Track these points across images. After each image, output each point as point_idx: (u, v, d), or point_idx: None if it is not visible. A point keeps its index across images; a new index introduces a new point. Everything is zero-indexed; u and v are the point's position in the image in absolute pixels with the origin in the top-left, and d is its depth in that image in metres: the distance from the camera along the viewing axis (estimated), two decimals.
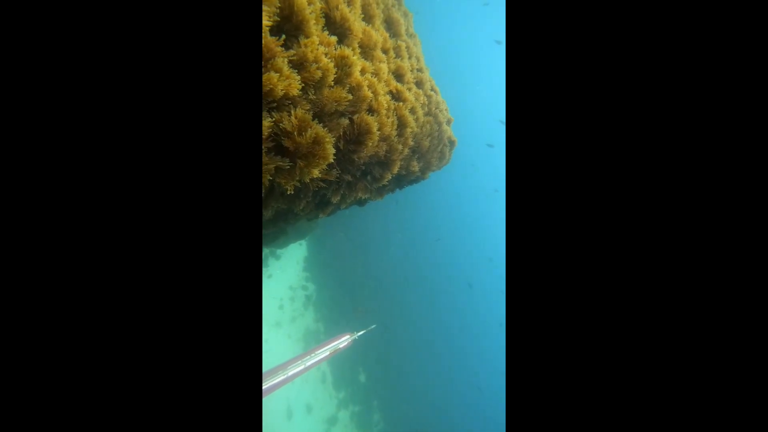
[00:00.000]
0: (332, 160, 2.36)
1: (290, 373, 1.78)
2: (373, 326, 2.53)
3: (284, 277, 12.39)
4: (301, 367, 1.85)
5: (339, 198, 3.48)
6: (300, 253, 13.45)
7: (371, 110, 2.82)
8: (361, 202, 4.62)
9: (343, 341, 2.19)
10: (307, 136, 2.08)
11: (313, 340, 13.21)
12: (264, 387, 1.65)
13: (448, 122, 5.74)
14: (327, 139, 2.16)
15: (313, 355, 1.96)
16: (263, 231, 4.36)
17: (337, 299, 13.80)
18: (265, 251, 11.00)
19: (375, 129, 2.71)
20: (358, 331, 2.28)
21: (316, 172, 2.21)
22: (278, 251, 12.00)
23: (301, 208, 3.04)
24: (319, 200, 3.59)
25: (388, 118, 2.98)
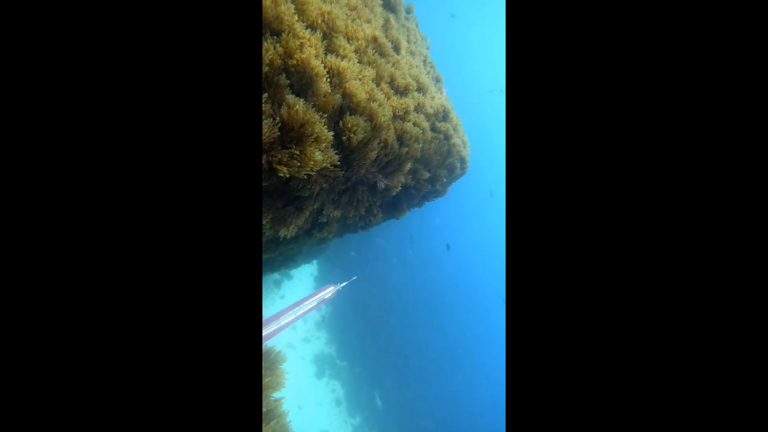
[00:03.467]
0: (330, 150, 2.22)
1: (283, 323, 2.06)
2: (354, 277, 2.87)
3: (296, 297, 12.25)
4: (293, 317, 2.13)
5: (340, 213, 3.35)
6: (311, 272, 13.34)
7: (354, 111, 2.69)
8: (367, 223, 4.49)
9: (328, 292, 2.42)
10: (296, 110, 2.01)
11: (326, 363, 12.90)
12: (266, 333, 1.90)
13: (460, 137, 5.64)
14: (315, 119, 2.07)
15: (303, 305, 2.24)
16: (273, 255, 4.28)
17: (349, 318, 13.52)
18: (277, 274, 10.94)
19: (359, 124, 2.57)
20: (342, 283, 2.57)
21: (317, 156, 2.08)
22: (291, 272, 11.93)
23: (304, 219, 2.91)
24: (314, 221, 3.49)
25: (382, 124, 2.86)
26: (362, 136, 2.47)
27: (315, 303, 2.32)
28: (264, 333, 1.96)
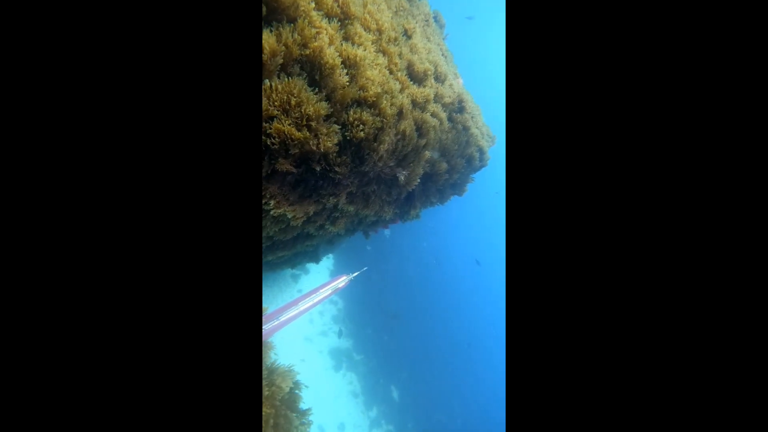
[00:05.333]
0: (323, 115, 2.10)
1: (301, 309, 2.11)
2: (365, 268, 3.03)
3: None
4: (309, 304, 2.21)
5: (354, 209, 3.27)
6: (326, 266, 13.43)
7: (365, 102, 2.55)
8: (378, 221, 4.40)
9: (341, 281, 2.50)
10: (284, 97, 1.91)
11: (344, 356, 13.03)
12: (275, 324, 1.92)
13: (479, 127, 5.45)
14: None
15: (318, 293, 2.31)
16: (289, 253, 4.27)
17: (365, 312, 13.59)
18: (294, 270, 11.04)
19: (364, 118, 2.44)
20: (353, 273, 2.68)
21: (296, 133, 1.97)
22: (307, 265, 12.03)
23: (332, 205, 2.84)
24: (328, 215, 3.41)
25: (391, 106, 2.72)
26: (363, 134, 2.35)
27: (330, 291, 2.39)
28: (282, 319, 2.10)
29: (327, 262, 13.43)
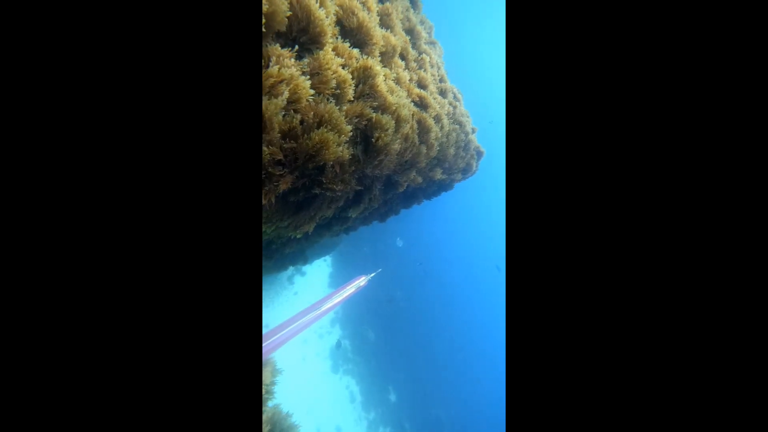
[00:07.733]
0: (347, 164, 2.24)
1: (326, 307, 2.18)
2: (380, 269, 3.18)
3: (310, 294, 12.35)
4: (338, 299, 2.32)
5: (358, 212, 3.34)
6: (324, 269, 13.42)
7: (384, 110, 2.71)
8: (384, 215, 4.46)
9: (362, 281, 2.68)
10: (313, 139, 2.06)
11: (341, 358, 13.02)
12: (301, 321, 1.99)
13: (473, 131, 5.55)
14: (331, 139, 2.13)
15: (342, 291, 2.42)
16: (285, 251, 4.31)
17: (363, 314, 13.59)
18: (291, 269, 11.03)
19: (390, 124, 2.56)
20: (370, 274, 2.84)
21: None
22: (303, 268, 12.01)
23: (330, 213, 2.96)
24: (333, 216, 3.47)
25: (405, 118, 2.84)
26: (389, 139, 2.50)
27: (353, 289, 2.54)
28: (309, 318, 2.11)
29: (324, 263, 13.42)
